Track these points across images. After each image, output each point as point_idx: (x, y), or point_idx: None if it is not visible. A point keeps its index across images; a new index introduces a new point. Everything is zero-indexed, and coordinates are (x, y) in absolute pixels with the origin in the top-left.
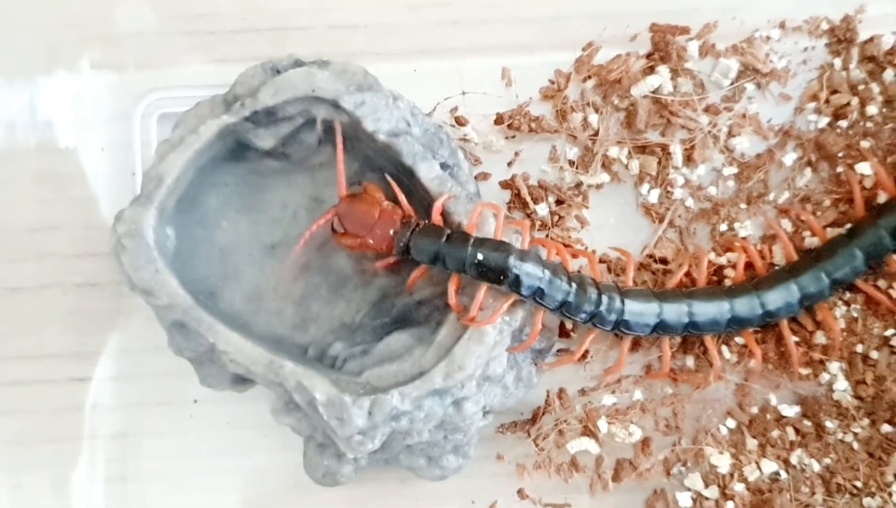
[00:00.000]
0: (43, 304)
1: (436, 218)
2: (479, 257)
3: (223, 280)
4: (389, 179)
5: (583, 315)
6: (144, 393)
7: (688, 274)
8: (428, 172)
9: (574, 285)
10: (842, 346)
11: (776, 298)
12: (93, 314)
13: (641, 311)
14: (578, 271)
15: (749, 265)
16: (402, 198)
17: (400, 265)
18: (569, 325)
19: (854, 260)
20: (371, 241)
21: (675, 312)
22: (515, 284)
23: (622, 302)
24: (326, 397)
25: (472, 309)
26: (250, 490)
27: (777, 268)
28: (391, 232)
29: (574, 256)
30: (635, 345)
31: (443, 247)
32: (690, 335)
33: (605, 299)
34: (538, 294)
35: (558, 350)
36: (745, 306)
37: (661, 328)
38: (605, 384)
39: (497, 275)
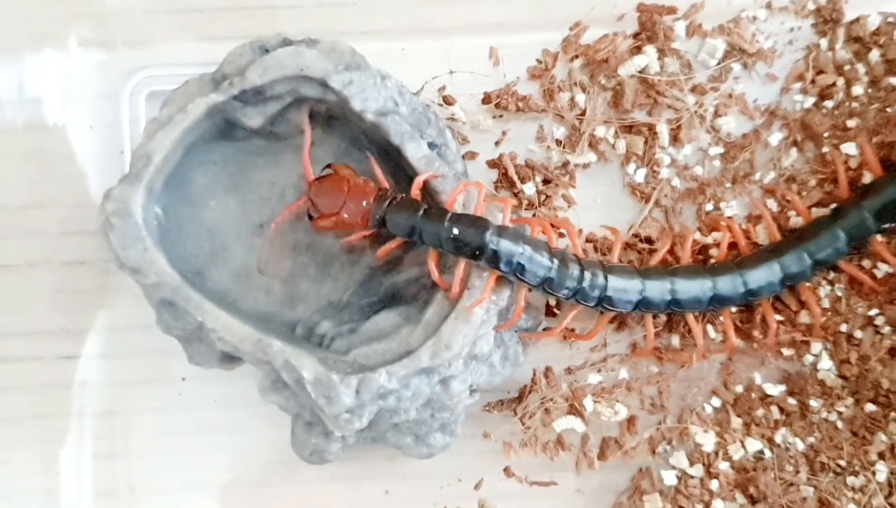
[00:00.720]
0: (31, 281)
1: (415, 193)
2: (455, 231)
3: (211, 259)
4: (369, 155)
5: (565, 291)
6: (132, 371)
7: (672, 253)
8: (416, 152)
9: (556, 261)
10: (825, 326)
11: (758, 277)
12: (81, 292)
13: (624, 287)
14: (563, 249)
15: (734, 245)
16: (377, 170)
17: (383, 242)
18: (552, 302)
19: (837, 241)
20: (345, 215)
21: (657, 289)
22: (493, 259)
23: (605, 278)
24: (314, 375)
25: (454, 285)
26: (238, 467)
27: (760, 247)
28: (363, 204)
29: (560, 236)
30: (621, 324)
31: (419, 221)
32: (673, 313)
33: (587, 275)
34: (518, 270)
35: (544, 329)
36: (728, 284)
37: (644, 304)
38: (577, 348)
39: (473, 250)
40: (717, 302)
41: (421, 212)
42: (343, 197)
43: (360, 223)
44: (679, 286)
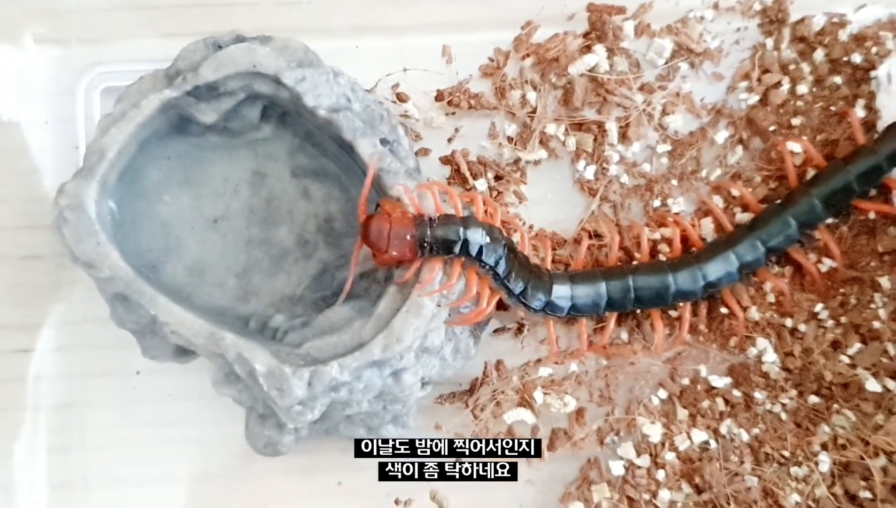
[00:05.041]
0: None
1: (367, 187)
2: (488, 238)
3: (165, 253)
4: (402, 189)
5: (537, 303)
6: (87, 365)
7: (622, 247)
8: (367, 148)
9: (532, 273)
10: (768, 321)
11: (717, 268)
12: (36, 286)
13: (589, 293)
14: (539, 263)
15: (683, 240)
16: (411, 197)
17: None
18: (521, 313)
19: (788, 228)
20: (394, 253)
21: (620, 289)
22: (495, 265)
23: (571, 288)
24: (266, 368)
25: (461, 296)
26: (193, 460)
27: (714, 239)
28: (407, 237)
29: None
30: (571, 319)
31: (464, 234)
32: (640, 310)
33: (556, 288)
34: (507, 277)
35: (495, 330)
36: (688, 278)
37: (609, 306)
38: (550, 359)
39: (498, 258)
40: (680, 297)
41: (470, 223)
42: (387, 234)
43: (409, 256)
44: (641, 284)
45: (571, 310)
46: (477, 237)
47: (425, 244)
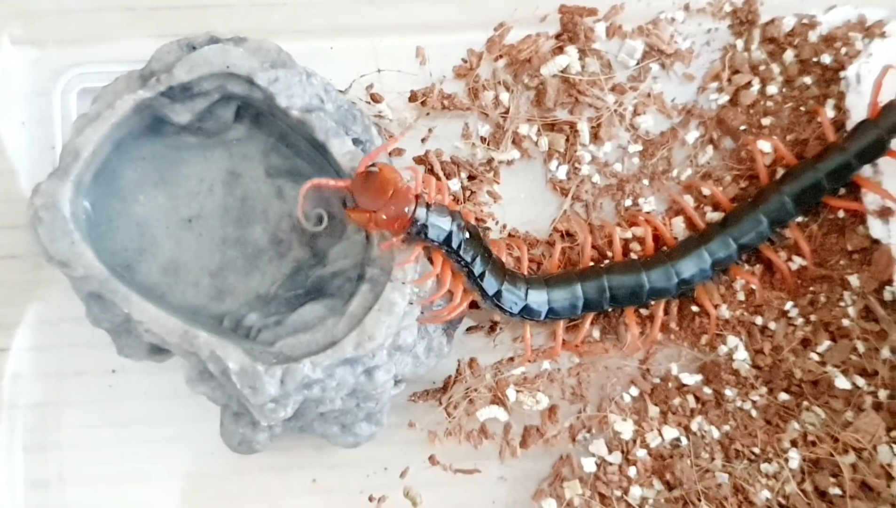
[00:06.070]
0: None
1: (338, 184)
2: (468, 235)
3: (140, 253)
4: (414, 168)
5: (513, 305)
6: (63, 363)
7: (595, 247)
8: (340, 148)
9: (506, 277)
10: (739, 319)
11: (690, 265)
12: (12, 285)
13: (565, 296)
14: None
15: (655, 239)
16: (417, 178)
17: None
18: (497, 316)
19: (759, 225)
20: (384, 217)
21: (596, 289)
22: (471, 261)
23: (548, 292)
24: (239, 366)
25: (434, 292)
26: (169, 458)
27: (687, 237)
28: (405, 210)
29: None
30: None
31: (455, 224)
32: (615, 309)
33: (532, 292)
34: (481, 276)
35: (468, 328)
36: (662, 276)
37: (586, 307)
38: (525, 361)
39: (480, 253)
40: (654, 294)
41: (455, 217)
42: (385, 200)
43: (395, 228)
44: (616, 283)
45: (549, 314)
46: (461, 231)
47: (417, 224)
